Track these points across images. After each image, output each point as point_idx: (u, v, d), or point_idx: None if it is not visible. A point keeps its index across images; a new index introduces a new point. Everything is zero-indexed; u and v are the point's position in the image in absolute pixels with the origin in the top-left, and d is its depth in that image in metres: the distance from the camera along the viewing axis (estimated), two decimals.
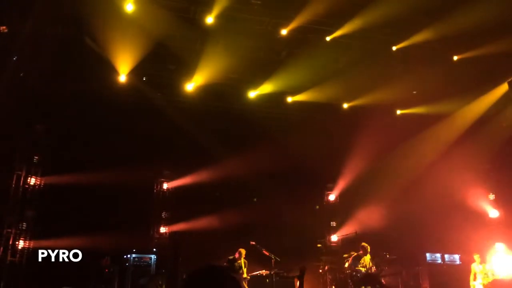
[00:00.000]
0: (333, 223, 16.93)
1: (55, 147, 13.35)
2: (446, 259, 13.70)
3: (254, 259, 12.28)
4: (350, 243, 14.78)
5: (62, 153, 13.31)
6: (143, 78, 14.26)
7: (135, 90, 14.04)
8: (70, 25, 12.44)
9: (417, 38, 13.48)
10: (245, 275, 11.86)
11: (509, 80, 15.00)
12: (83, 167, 12.94)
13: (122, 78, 13.60)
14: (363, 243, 12.58)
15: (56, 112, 13.45)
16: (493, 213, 15.69)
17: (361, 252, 12.63)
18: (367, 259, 12.59)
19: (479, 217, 15.43)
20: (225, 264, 11.87)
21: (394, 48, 14.06)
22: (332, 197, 17.18)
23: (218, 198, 15.07)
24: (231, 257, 12.13)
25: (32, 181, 12.95)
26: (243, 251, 12.11)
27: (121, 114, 13.64)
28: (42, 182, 13.13)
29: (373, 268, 12.39)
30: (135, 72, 13.65)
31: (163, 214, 14.90)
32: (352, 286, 12.45)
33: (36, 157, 13.17)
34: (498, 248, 12.40)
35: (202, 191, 14.76)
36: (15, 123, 12.56)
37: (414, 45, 13.70)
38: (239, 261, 11.96)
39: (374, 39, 13.81)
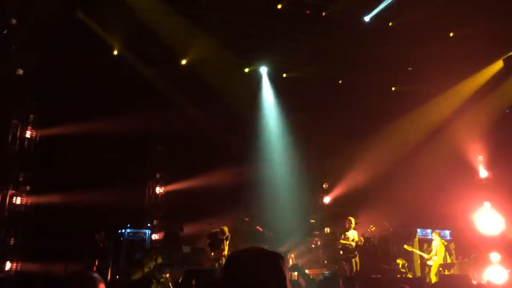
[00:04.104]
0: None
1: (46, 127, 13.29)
2: None
3: (247, 235, 12.36)
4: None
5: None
6: None
7: (128, 65, 13.85)
8: None
9: (414, 14, 13.32)
10: (226, 252, 11.44)
11: (504, 57, 14.93)
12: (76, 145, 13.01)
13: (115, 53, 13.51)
14: (349, 217, 12.70)
15: (48, 86, 13.33)
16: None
17: (346, 226, 12.76)
18: (353, 233, 12.74)
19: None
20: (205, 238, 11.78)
21: (390, 24, 13.92)
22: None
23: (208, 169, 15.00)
24: (212, 231, 11.90)
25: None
26: (226, 229, 11.69)
27: (115, 89, 13.54)
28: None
29: (361, 241, 12.57)
30: (128, 47, 13.49)
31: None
32: (344, 258, 12.63)
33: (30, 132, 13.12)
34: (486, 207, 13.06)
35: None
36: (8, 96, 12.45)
37: (410, 21, 13.55)
38: (220, 237, 11.58)
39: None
